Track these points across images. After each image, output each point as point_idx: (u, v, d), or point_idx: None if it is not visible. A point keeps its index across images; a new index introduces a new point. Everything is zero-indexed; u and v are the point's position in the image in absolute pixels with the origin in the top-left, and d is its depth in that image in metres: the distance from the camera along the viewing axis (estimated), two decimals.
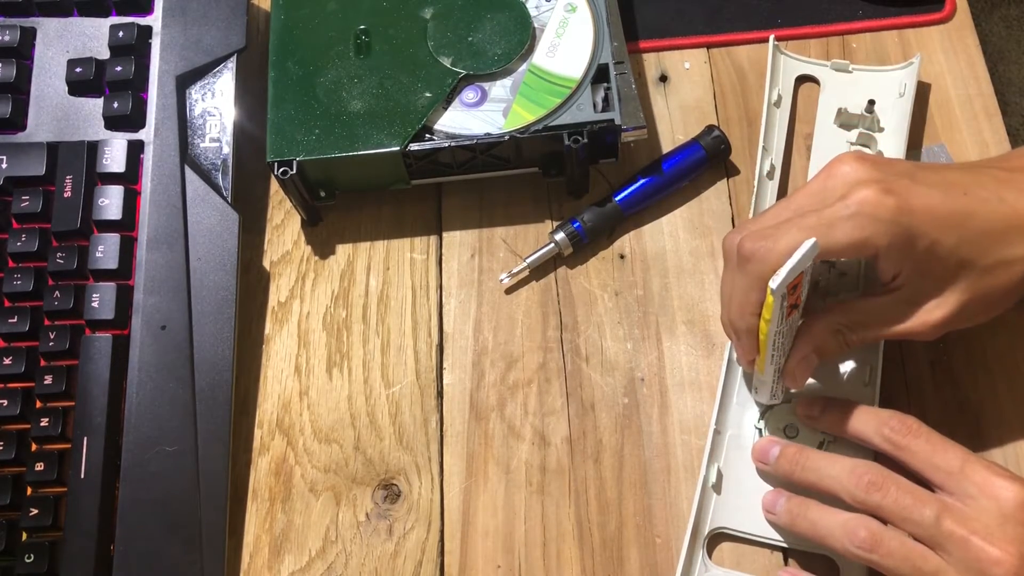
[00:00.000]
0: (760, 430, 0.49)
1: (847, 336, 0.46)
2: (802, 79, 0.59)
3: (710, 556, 0.48)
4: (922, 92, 0.58)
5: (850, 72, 0.58)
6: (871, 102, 0.55)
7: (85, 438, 0.50)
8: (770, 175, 0.55)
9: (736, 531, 0.48)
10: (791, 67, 0.58)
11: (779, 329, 0.44)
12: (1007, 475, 0.42)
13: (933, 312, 0.44)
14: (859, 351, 0.50)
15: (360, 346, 0.55)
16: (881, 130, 0.55)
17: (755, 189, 0.54)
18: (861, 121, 0.55)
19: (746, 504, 0.48)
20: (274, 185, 0.59)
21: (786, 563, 0.48)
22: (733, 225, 0.56)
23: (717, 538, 0.48)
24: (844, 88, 0.57)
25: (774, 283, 0.41)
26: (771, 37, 0.58)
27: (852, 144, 0.55)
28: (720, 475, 0.49)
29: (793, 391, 0.49)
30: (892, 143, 0.55)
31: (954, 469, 0.42)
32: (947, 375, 0.51)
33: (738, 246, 0.44)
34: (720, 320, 0.49)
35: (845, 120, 0.56)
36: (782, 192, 0.56)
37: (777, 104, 0.57)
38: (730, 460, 0.49)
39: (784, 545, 0.47)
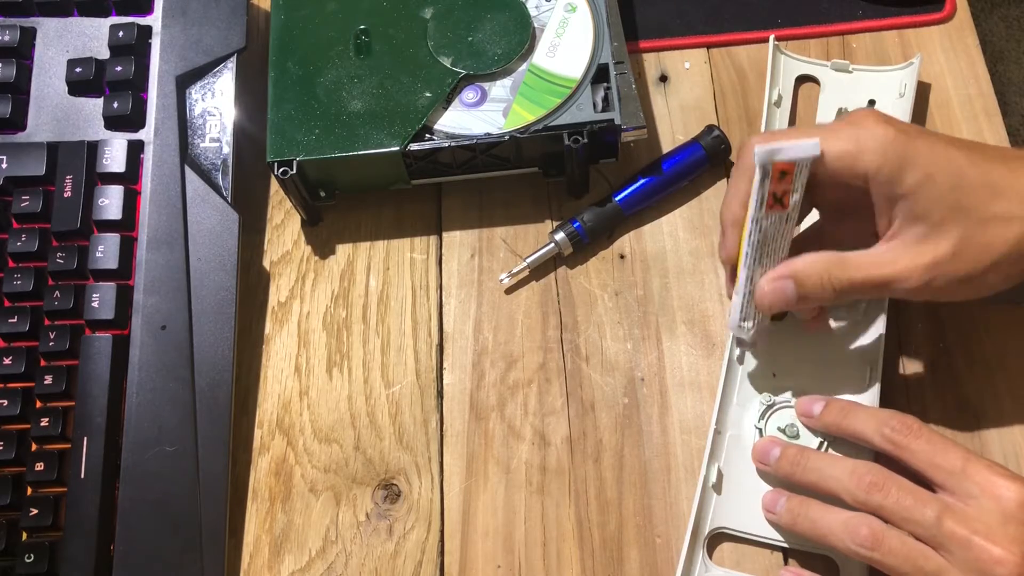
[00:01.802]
0: (760, 430, 0.49)
1: (832, 273, 0.44)
2: (802, 79, 0.59)
3: (710, 556, 0.48)
4: (922, 92, 0.58)
5: (850, 72, 0.58)
6: (871, 102, 0.55)
7: (85, 438, 0.50)
8: None
9: (736, 531, 0.48)
10: (791, 67, 0.58)
11: (758, 216, 0.43)
12: (1009, 475, 0.42)
13: (922, 254, 0.43)
14: (859, 351, 0.50)
15: (360, 346, 0.55)
16: None
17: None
18: None
19: (746, 504, 0.48)
20: (274, 185, 0.59)
21: (786, 563, 0.48)
22: None
23: (717, 538, 0.48)
24: (844, 88, 0.57)
25: (759, 149, 0.41)
26: (771, 37, 0.58)
27: None
28: (720, 475, 0.49)
29: (789, 388, 0.49)
30: None
31: (956, 469, 0.42)
32: (947, 375, 0.51)
33: (743, 143, 0.45)
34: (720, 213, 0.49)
35: None
36: None
37: (777, 104, 0.57)
38: (730, 460, 0.49)
39: (784, 545, 0.47)
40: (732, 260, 0.47)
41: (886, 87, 0.57)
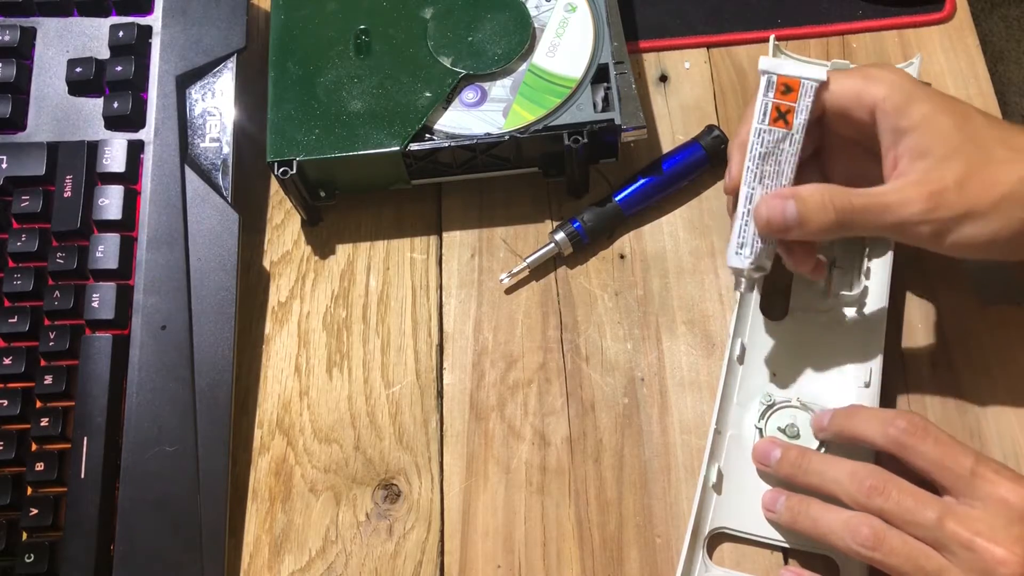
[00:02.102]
0: (760, 430, 0.49)
1: (834, 197, 0.43)
2: None
3: (710, 556, 0.48)
4: None
5: None
6: None
7: (85, 438, 0.50)
8: None
9: (736, 531, 0.48)
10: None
11: (760, 128, 0.44)
12: (1017, 477, 0.41)
13: (925, 184, 0.42)
14: (859, 351, 0.50)
15: (360, 346, 0.55)
16: None
17: None
18: None
19: (746, 504, 0.48)
20: (274, 185, 0.59)
21: (786, 563, 0.48)
22: None
23: (717, 538, 0.48)
24: None
25: (764, 60, 0.42)
26: (771, 37, 0.57)
27: None
28: (720, 475, 0.49)
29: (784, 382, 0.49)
30: None
31: (964, 472, 0.42)
32: (947, 375, 0.51)
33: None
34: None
35: None
36: None
37: None
38: (730, 460, 0.49)
39: (785, 545, 0.47)
40: (736, 185, 0.46)
41: None
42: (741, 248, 0.46)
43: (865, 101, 0.43)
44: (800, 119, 0.44)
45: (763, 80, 0.44)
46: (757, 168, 0.45)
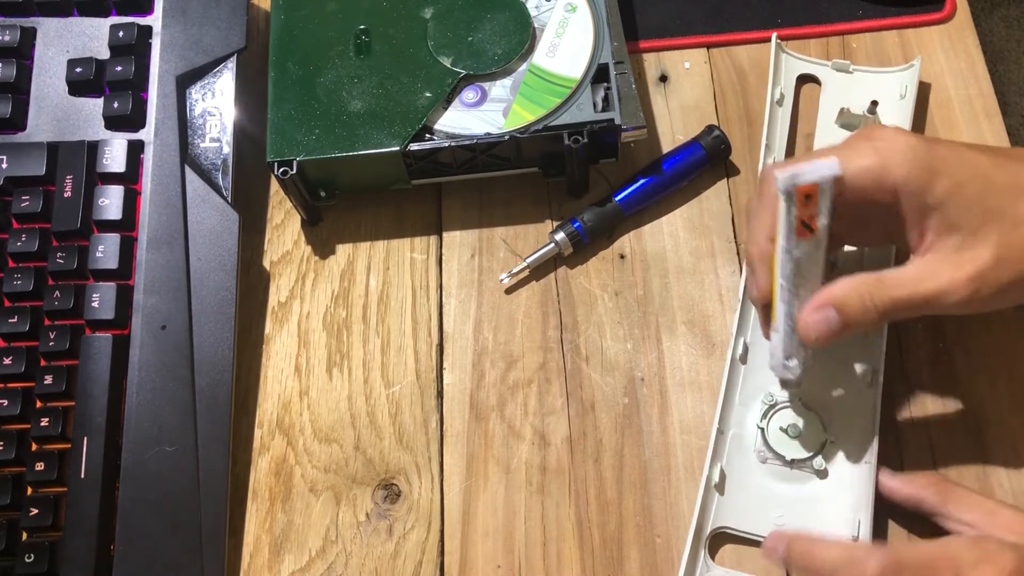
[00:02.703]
0: (762, 429, 0.49)
1: (874, 295, 0.43)
2: (803, 79, 0.59)
3: (712, 556, 0.48)
4: (922, 92, 0.58)
5: (851, 73, 0.58)
6: (874, 103, 0.55)
7: (85, 438, 0.50)
8: None
9: (738, 531, 0.48)
10: (793, 66, 0.58)
11: (789, 248, 0.42)
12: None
13: (963, 266, 0.42)
14: (862, 351, 0.50)
15: (360, 346, 0.55)
16: None
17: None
18: (863, 122, 0.55)
19: (748, 504, 0.48)
20: (274, 185, 0.59)
21: None
22: (733, 225, 0.56)
23: (718, 538, 0.48)
24: (845, 88, 0.57)
25: (780, 176, 0.40)
26: (774, 36, 0.58)
27: None
28: (723, 474, 0.49)
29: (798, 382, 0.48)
30: None
31: None
32: (947, 375, 0.51)
33: (763, 173, 0.44)
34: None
35: (847, 120, 0.56)
36: None
37: (779, 103, 0.57)
38: (732, 460, 0.49)
39: None
40: (765, 298, 0.45)
41: (887, 88, 0.57)
42: (788, 360, 0.45)
43: (886, 184, 0.42)
44: (823, 221, 0.42)
45: (783, 198, 0.41)
46: (791, 284, 0.43)
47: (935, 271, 0.42)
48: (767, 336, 0.47)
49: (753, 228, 0.45)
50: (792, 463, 0.49)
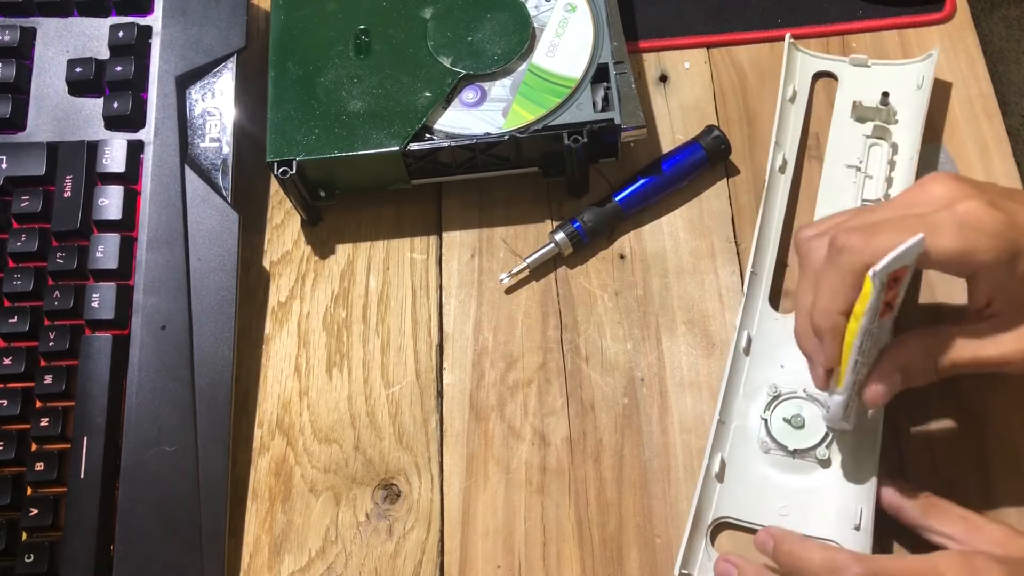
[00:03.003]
0: (766, 420, 0.49)
1: (939, 359, 0.43)
2: (819, 76, 0.59)
3: (712, 545, 0.48)
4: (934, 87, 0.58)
5: (868, 67, 0.58)
6: (885, 94, 0.55)
7: (85, 438, 0.50)
8: (782, 169, 0.55)
9: (739, 520, 0.48)
10: (808, 64, 0.58)
11: (870, 328, 0.42)
12: None
13: None
14: None
15: (360, 346, 0.55)
16: (896, 122, 0.55)
17: (766, 183, 0.54)
18: (876, 114, 0.56)
19: (751, 494, 0.48)
20: (274, 185, 0.59)
21: None
22: (733, 225, 0.56)
23: (719, 528, 0.48)
24: (862, 83, 0.58)
25: (876, 267, 0.39)
26: (787, 35, 0.58)
27: (868, 137, 0.55)
28: (724, 464, 0.49)
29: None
30: (907, 136, 0.55)
31: None
32: (950, 378, 0.51)
33: (831, 238, 0.42)
34: (794, 330, 0.46)
35: (861, 113, 0.56)
36: (795, 188, 0.56)
37: (792, 100, 0.57)
38: (735, 451, 0.49)
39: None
40: (831, 365, 0.45)
41: (904, 80, 0.57)
42: (846, 418, 0.46)
43: (967, 266, 0.41)
44: (901, 297, 0.42)
45: (876, 286, 0.40)
46: (866, 359, 0.43)
47: (999, 338, 0.43)
48: (820, 388, 0.46)
49: (822, 301, 0.43)
50: (795, 453, 0.49)
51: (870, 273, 0.39)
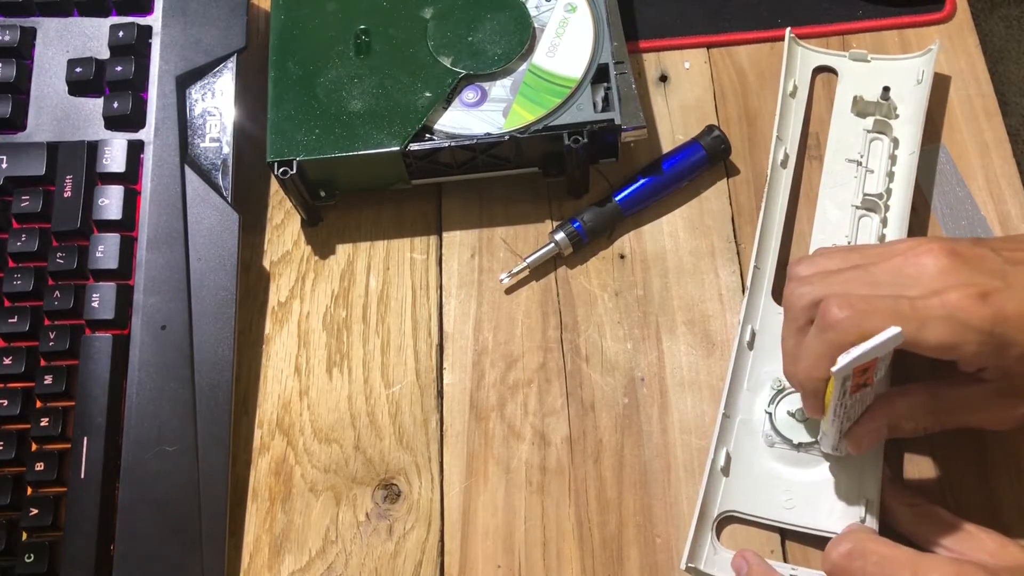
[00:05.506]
0: (770, 414, 0.49)
1: (927, 421, 0.45)
2: (818, 71, 0.59)
3: (719, 539, 0.48)
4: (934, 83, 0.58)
5: (868, 62, 0.58)
6: (886, 89, 0.55)
7: (85, 438, 0.50)
8: (783, 164, 0.55)
9: (744, 514, 0.48)
10: (808, 59, 0.58)
11: (842, 402, 0.43)
12: None
13: (1015, 406, 0.44)
14: None
15: (360, 346, 0.55)
16: (896, 117, 0.56)
17: (768, 178, 0.54)
18: (877, 108, 0.56)
19: (755, 488, 0.48)
20: (274, 185, 0.59)
21: (783, 545, 0.48)
22: (733, 225, 0.56)
23: (724, 522, 0.48)
24: (862, 78, 0.58)
25: (837, 366, 0.40)
26: (788, 31, 0.58)
27: (868, 131, 0.55)
28: (729, 458, 0.49)
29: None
30: (908, 130, 0.55)
31: None
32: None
33: (822, 307, 0.42)
34: (783, 370, 0.47)
35: (861, 108, 0.56)
36: (797, 181, 0.56)
37: (792, 95, 0.57)
38: (740, 445, 0.49)
39: (791, 527, 0.47)
40: (815, 415, 0.46)
41: (904, 75, 0.57)
42: (836, 449, 0.47)
43: (954, 357, 0.41)
44: (879, 375, 0.43)
45: (838, 380, 0.40)
46: (847, 412, 0.44)
47: (986, 404, 0.44)
48: (811, 416, 0.47)
49: (804, 365, 0.43)
50: (800, 446, 0.49)
51: (833, 370, 0.40)
